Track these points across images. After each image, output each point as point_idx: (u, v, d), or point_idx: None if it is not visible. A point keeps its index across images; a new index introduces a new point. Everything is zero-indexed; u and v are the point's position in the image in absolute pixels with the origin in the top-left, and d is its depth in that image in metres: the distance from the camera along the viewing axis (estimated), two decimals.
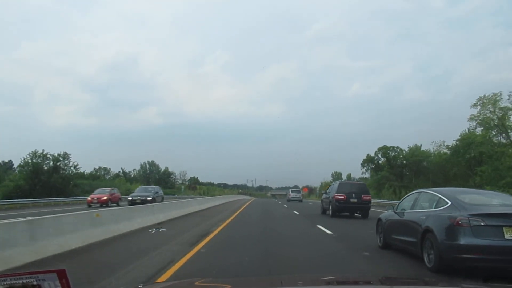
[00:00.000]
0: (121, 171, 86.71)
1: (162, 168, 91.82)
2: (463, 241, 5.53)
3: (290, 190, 53.93)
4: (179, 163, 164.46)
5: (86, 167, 75.68)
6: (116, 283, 5.07)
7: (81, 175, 52.06)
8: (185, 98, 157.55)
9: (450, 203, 6.18)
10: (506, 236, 5.41)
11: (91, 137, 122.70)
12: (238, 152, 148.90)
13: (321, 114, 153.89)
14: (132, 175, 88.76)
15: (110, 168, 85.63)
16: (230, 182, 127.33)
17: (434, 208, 6.46)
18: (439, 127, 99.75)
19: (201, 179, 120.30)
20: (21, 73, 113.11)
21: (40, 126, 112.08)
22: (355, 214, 18.16)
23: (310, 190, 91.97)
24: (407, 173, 48.69)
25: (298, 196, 48.00)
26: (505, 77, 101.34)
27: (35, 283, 1.31)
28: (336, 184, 19.27)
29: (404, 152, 49.67)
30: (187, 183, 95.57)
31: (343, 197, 17.56)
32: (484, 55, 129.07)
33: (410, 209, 7.29)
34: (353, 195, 17.57)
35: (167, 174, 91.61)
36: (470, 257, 5.48)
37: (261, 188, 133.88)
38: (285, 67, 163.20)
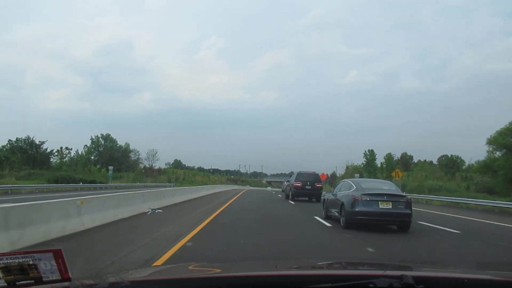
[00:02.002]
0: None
1: (122, 143, 78.44)
2: (357, 209, 9.60)
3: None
4: (172, 148, 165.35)
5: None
6: None
7: None
8: (180, 84, 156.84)
9: (355, 187, 10.27)
10: (380, 206, 9.50)
11: (85, 122, 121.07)
12: (232, 138, 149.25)
13: (317, 100, 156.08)
14: (79, 153, 72.53)
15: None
16: (222, 168, 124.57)
17: (347, 191, 10.53)
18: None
19: (194, 165, 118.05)
20: (13, 55, 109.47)
21: (33, 110, 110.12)
22: (312, 200, 22.37)
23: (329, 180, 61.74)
24: None
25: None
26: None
27: (31, 262, 1.31)
28: (295, 174, 23.75)
29: None
30: (153, 164, 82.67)
31: (300, 184, 22.20)
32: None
33: (338, 192, 11.36)
34: (308, 183, 22.12)
35: (127, 151, 78.75)
36: (361, 218, 9.57)
37: (255, 175, 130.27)
38: (281, 54, 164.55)
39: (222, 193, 31.76)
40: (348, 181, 11.22)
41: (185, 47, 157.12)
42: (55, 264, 1.32)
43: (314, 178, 22.92)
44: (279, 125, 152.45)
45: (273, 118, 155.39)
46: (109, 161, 66.90)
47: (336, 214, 10.88)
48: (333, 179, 65.78)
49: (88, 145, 74.85)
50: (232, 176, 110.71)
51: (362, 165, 68.96)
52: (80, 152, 72.54)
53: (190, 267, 2.40)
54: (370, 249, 7.27)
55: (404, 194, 10.35)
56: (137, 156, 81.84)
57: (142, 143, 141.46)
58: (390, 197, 9.63)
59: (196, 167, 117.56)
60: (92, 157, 74.05)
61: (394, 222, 9.81)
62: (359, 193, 9.81)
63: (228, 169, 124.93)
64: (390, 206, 9.50)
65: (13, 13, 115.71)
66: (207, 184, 57.80)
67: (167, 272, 2.25)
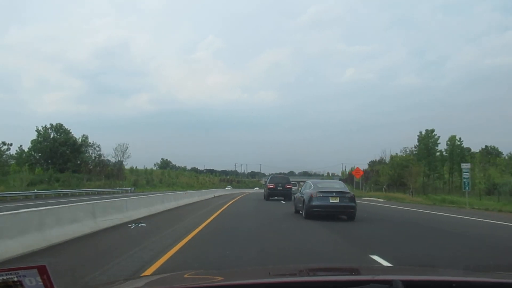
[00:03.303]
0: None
1: (78, 136, 64.49)
2: (313, 203, 12.54)
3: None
4: (170, 150, 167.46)
5: None
6: None
7: None
8: (177, 85, 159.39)
9: (313, 187, 13.23)
10: (330, 201, 12.46)
11: (83, 124, 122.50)
12: (229, 138, 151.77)
13: (316, 99, 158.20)
14: (17, 150, 59.83)
15: None
16: (219, 168, 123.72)
17: (308, 190, 13.48)
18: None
19: (189, 165, 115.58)
20: (9, 59, 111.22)
21: (30, 113, 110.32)
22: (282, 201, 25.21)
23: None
24: None
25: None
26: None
27: (15, 279, 1.29)
28: (269, 177, 28.22)
29: None
30: (122, 162, 68.13)
31: (273, 186, 26.26)
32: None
33: (302, 190, 14.30)
34: (280, 185, 25.89)
35: (83, 146, 64.08)
36: (316, 210, 12.51)
37: (253, 175, 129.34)
38: (279, 53, 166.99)
39: (196, 207, 19.05)
40: (309, 182, 14.21)
41: (182, 48, 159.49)
42: (40, 281, 1.30)
43: (286, 180, 26.92)
44: (277, 125, 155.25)
45: (272, 118, 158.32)
46: (51, 159, 56.38)
47: (300, 208, 13.83)
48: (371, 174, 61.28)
49: (35, 139, 59.71)
50: (227, 177, 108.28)
51: (413, 152, 57.70)
52: (25, 149, 60.08)
53: (186, 276, 2.38)
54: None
55: (349, 191, 13.32)
56: (96, 153, 65.84)
57: (137, 144, 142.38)
58: (338, 193, 12.61)
59: (190, 168, 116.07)
60: (34, 154, 60.02)
61: (342, 213, 12.76)
62: (315, 191, 12.77)
63: (225, 169, 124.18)
64: (338, 201, 12.48)
65: (9, 16, 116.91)
66: (193, 187, 54.25)
67: (162, 282, 2.24)
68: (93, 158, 64.84)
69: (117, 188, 50.39)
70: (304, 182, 15.55)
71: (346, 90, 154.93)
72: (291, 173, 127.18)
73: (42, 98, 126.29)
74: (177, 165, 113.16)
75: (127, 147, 68.15)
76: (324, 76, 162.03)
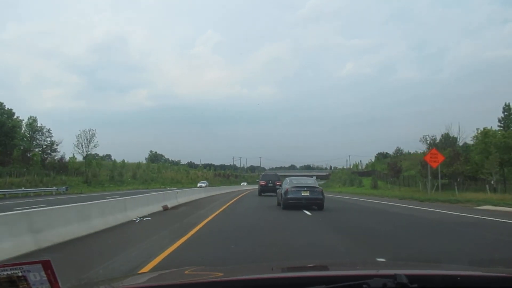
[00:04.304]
0: None
1: (25, 117, 54.38)
2: (289, 196, 15.38)
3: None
4: (169, 145, 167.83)
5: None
6: None
7: None
8: (176, 80, 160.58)
9: (289, 182, 16.07)
10: (302, 194, 15.29)
11: (81, 120, 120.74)
12: (228, 133, 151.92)
13: (315, 94, 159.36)
14: None
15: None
16: (217, 163, 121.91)
17: (285, 185, 16.30)
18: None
19: (186, 160, 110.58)
20: (7, 55, 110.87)
21: (28, 109, 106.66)
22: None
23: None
24: None
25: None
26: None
27: (20, 274, 1.30)
28: (261, 175, 31.87)
29: None
30: (88, 153, 55.62)
31: (264, 183, 29.53)
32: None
33: (282, 186, 17.13)
34: (270, 181, 28.98)
35: (16, 127, 50.96)
36: (291, 202, 15.34)
37: (252, 169, 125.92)
38: (278, 47, 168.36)
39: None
40: (287, 179, 17.06)
41: (181, 43, 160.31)
42: (44, 275, 1.32)
43: (275, 177, 30.05)
44: (277, 119, 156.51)
45: (272, 112, 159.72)
46: None
47: (280, 201, 16.69)
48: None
49: None
50: (226, 172, 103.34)
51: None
52: None
53: (186, 272, 2.38)
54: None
55: (318, 186, 16.13)
56: (46, 140, 54.60)
57: (135, 139, 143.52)
58: (308, 188, 15.46)
59: (186, 162, 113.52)
60: None
61: (312, 204, 15.55)
62: (290, 186, 15.62)
63: (223, 163, 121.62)
64: (309, 194, 15.32)
65: (6, 13, 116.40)
66: (180, 183, 48.17)
67: (163, 278, 2.21)
68: (37, 146, 53.10)
69: (43, 188, 36.04)
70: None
71: (347, 83, 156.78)
72: (292, 167, 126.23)
73: (40, 94, 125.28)
74: (170, 159, 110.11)
75: (94, 134, 54.63)
76: (324, 70, 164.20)
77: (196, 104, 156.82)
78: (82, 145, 53.97)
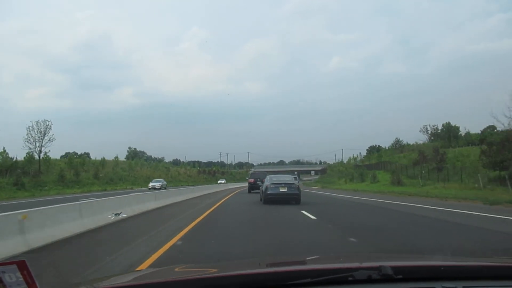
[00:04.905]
0: None
1: None
2: (269, 192, 17.15)
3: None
4: (154, 143, 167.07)
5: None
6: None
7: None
8: (162, 77, 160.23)
9: (269, 180, 17.82)
10: (280, 190, 17.08)
11: (66, 120, 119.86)
12: (215, 130, 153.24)
13: (303, 89, 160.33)
14: None
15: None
16: (204, 160, 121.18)
17: (266, 182, 18.03)
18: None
19: (172, 157, 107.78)
20: None
21: (11, 109, 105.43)
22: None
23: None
24: None
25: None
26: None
27: None
28: (250, 173, 34.64)
29: None
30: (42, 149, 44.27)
31: (253, 180, 31.84)
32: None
33: (264, 183, 18.85)
34: (258, 179, 30.73)
35: None
36: (271, 197, 17.10)
37: (240, 165, 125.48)
38: (264, 43, 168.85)
39: None
40: (268, 176, 18.81)
41: (166, 39, 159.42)
42: (20, 276, 1.30)
43: (263, 175, 31.38)
44: (265, 115, 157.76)
45: (259, 108, 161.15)
46: None
47: (261, 195, 18.43)
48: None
49: None
50: (212, 168, 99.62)
51: None
52: None
53: (177, 269, 2.39)
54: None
55: (294, 182, 17.90)
56: None
57: (119, 138, 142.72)
58: (286, 184, 17.24)
59: (171, 160, 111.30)
60: None
61: (290, 199, 17.29)
62: (270, 183, 17.37)
63: (211, 160, 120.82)
64: (286, 190, 17.09)
65: None
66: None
67: (153, 276, 2.21)
68: None
69: None
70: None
71: (334, 78, 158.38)
72: (281, 162, 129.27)
73: (22, 94, 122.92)
74: (152, 156, 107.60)
75: (50, 126, 44.65)
76: (310, 65, 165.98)
77: (183, 101, 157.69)
78: (34, 140, 43.89)
